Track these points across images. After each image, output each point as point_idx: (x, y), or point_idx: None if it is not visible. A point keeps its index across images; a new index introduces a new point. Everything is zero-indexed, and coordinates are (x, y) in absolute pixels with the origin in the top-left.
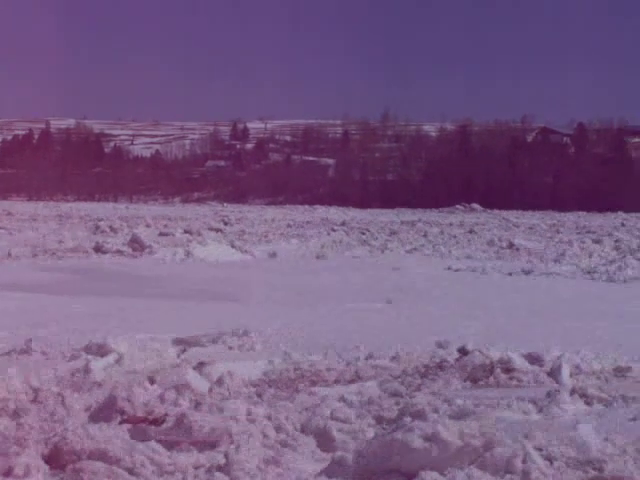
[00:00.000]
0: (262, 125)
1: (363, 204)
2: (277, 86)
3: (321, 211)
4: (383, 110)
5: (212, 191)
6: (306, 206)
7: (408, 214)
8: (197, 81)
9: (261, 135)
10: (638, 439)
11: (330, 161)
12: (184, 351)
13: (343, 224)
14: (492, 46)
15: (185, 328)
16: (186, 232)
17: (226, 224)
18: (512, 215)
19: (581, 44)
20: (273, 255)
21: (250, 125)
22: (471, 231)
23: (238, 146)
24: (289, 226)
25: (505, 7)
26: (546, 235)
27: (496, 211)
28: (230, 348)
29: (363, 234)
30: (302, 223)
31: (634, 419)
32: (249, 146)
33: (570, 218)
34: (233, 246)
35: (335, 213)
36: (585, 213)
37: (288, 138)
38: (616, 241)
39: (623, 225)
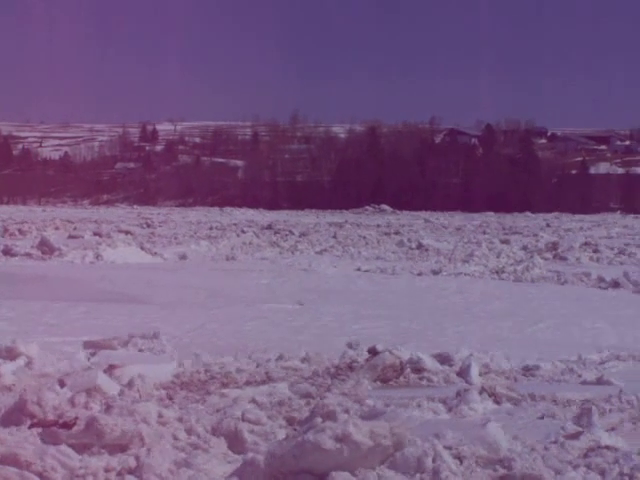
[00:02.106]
0: (171, 127)
1: (273, 205)
2: (187, 88)
3: (239, 213)
4: (292, 112)
5: (122, 193)
6: (216, 208)
7: (335, 216)
8: (106, 82)
9: (170, 137)
10: (546, 437)
11: (240, 163)
12: (94, 354)
13: (270, 227)
14: (400, 47)
15: (95, 331)
16: (96, 234)
17: (148, 226)
18: (423, 216)
19: (488, 45)
20: (183, 257)
21: (159, 127)
22: (397, 232)
23: (147, 148)
24: (211, 228)
25: (413, 8)
26: (470, 236)
27: (405, 212)
28: (141, 351)
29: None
30: (226, 225)
31: (542, 417)
32: (158, 148)
33: (492, 219)
34: (143, 248)
35: (254, 215)
36: (493, 214)
37: (198, 140)
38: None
39: (548, 226)
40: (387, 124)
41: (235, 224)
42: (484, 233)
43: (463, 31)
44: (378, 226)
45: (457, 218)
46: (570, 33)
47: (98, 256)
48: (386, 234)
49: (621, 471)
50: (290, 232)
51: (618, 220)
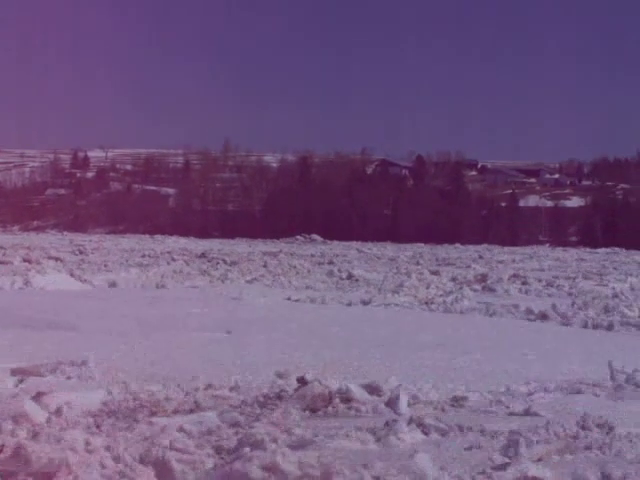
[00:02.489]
0: (103, 154)
1: (204, 234)
2: (118, 114)
3: (171, 241)
4: (224, 140)
5: (52, 220)
6: (147, 235)
7: (268, 245)
8: (38, 108)
9: (102, 164)
10: (474, 468)
11: (171, 190)
12: (22, 381)
13: (203, 255)
14: (334, 77)
15: (23, 358)
16: (25, 261)
17: (81, 253)
18: (355, 246)
19: (419, 77)
20: (113, 284)
21: (91, 154)
22: (330, 262)
23: (78, 174)
24: (143, 256)
25: (345, 39)
26: (400, 267)
27: (336, 242)
28: (69, 378)
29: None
30: (158, 253)
31: (470, 448)
32: (90, 175)
33: (425, 250)
34: (72, 275)
35: (187, 243)
36: (423, 244)
37: (129, 167)
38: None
39: (481, 257)
40: (319, 154)
41: (169, 252)
42: (417, 264)
43: (392, 62)
44: (312, 256)
45: (389, 249)
46: (500, 67)
47: (27, 282)
48: (319, 264)
49: None
50: (224, 261)
51: (549, 253)
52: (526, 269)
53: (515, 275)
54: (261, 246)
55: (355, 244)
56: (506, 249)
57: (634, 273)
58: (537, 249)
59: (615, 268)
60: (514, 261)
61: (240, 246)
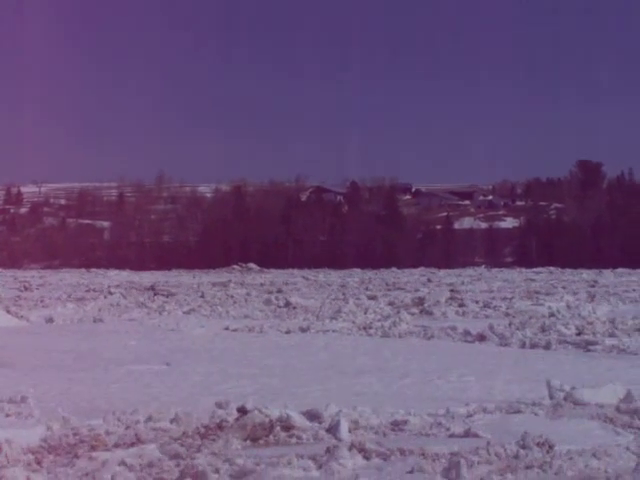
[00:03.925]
0: (36, 189)
1: (140, 266)
2: (50, 149)
3: (113, 274)
4: (158, 172)
5: None
6: (83, 269)
7: (211, 275)
8: None
9: (35, 199)
10: None
11: (106, 224)
12: None
13: (152, 288)
14: (262, 106)
15: None
16: None
17: (26, 289)
18: (298, 273)
19: (351, 103)
20: (50, 320)
21: (24, 189)
22: (279, 290)
23: (12, 210)
24: (93, 290)
25: (275, 66)
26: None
27: (273, 270)
28: (7, 415)
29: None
30: (106, 287)
31: (412, 471)
32: (23, 210)
33: (369, 275)
34: (8, 312)
35: (130, 276)
36: (359, 270)
37: (63, 201)
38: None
39: (430, 281)
40: (253, 183)
41: (117, 285)
42: (367, 289)
43: (327, 89)
44: (261, 285)
45: (334, 275)
46: (431, 90)
47: None
48: (269, 292)
49: None
50: (171, 293)
51: (497, 274)
52: (476, 291)
53: (452, 298)
54: (205, 277)
55: (297, 272)
56: (452, 271)
57: (581, 291)
58: (482, 271)
59: (564, 287)
60: (463, 283)
61: (184, 277)
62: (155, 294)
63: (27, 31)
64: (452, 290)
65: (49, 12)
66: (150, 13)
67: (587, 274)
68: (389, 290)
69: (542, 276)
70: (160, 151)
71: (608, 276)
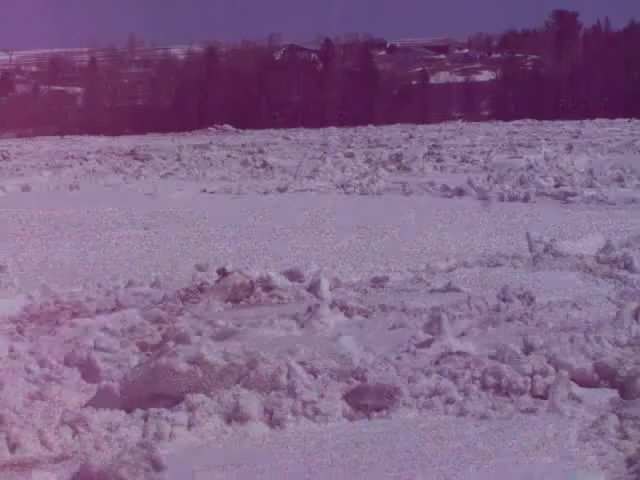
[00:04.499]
0: (7, 56)
1: (114, 131)
2: (20, 15)
3: (90, 140)
4: (129, 35)
5: None
6: (57, 137)
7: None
8: None
9: (6, 67)
10: (398, 347)
11: (79, 90)
12: None
13: (132, 152)
14: None
15: None
16: None
17: (5, 158)
18: (278, 134)
19: None
20: (26, 189)
21: None
22: (260, 151)
23: None
24: (68, 157)
25: None
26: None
27: (248, 131)
28: None
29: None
30: (85, 153)
31: (393, 327)
32: None
33: (349, 133)
34: None
35: (107, 141)
36: (336, 129)
37: (34, 68)
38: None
39: (412, 137)
40: (226, 43)
41: (97, 151)
42: (349, 147)
43: None
44: (243, 146)
45: (313, 134)
46: None
47: None
48: (250, 153)
49: (472, 375)
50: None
51: (479, 128)
52: (458, 145)
53: (430, 153)
54: (184, 140)
55: (275, 132)
56: (432, 127)
57: (561, 143)
58: (462, 125)
59: (547, 139)
60: (445, 138)
61: (162, 141)
62: (135, 159)
63: None
64: (434, 145)
65: None
66: None
67: (569, 125)
68: (371, 147)
69: (524, 129)
70: (131, 14)
71: (590, 127)
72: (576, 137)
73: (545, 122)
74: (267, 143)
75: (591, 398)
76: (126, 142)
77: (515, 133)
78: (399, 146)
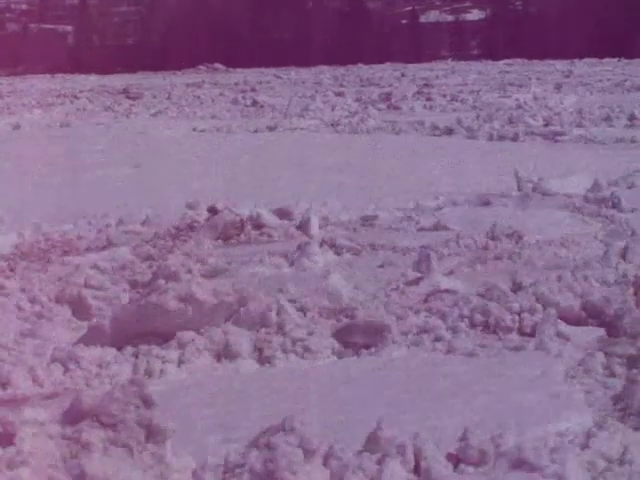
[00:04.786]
0: None
1: (104, 70)
2: None
3: (81, 78)
4: None
5: None
6: (47, 75)
7: (186, 77)
8: None
9: None
10: (387, 285)
11: (69, 28)
12: None
13: (125, 91)
14: None
15: None
16: None
17: None
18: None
19: None
20: (17, 127)
21: None
22: (253, 89)
23: None
24: (60, 96)
25: None
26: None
27: (239, 69)
28: None
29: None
30: (77, 91)
31: (382, 266)
32: None
33: (341, 72)
34: None
35: (98, 80)
36: (327, 67)
37: (24, 7)
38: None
39: (404, 75)
40: None
41: (90, 90)
42: (341, 86)
43: None
44: (235, 84)
45: (304, 72)
46: None
47: None
48: (243, 92)
49: (461, 313)
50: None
51: (473, 67)
52: (450, 84)
53: (419, 92)
54: (175, 78)
55: (266, 70)
56: (423, 65)
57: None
58: (453, 64)
59: (538, 78)
60: (437, 77)
61: (153, 79)
62: (127, 97)
63: None
64: (426, 84)
65: None
66: None
67: (560, 65)
68: (363, 86)
69: (515, 68)
70: None
71: (580, 66)
72: (567, 76)
73: (535, 62)
74: (259, 82)
75: (578, 336)
76: (117, 81)
77: (507, 72)
78: (390, 85)
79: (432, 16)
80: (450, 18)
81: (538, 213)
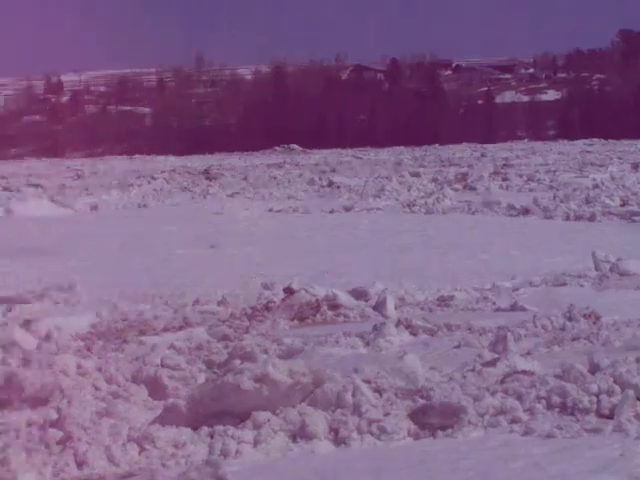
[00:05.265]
0: (76, 77)
1: (181, 151)
2: (90, 36)
3: (161, 159)
4: (197, 55)
5: (29, 146)
6: (124, 156)
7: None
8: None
9: (76, 87)
10: (463, 366)
11: (146, 110)
12: (10, 310)
13: (206, 172)
14: None
15: (9, 286)
16: (5, 189)
17: (79, 177)
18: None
19: None
20: (95, 208)
21: (64, 78)
22: (333, 170)
23: (53, 100)
24: (140, 176)
25: None
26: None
27: (315, 150)
28: (56, 303)
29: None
30: (159, 172)
31: (458, 346)
32: (64, 99)
33: (419, 152)
34: (54, 201)
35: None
36: (404, 148)
37: (103, 89)
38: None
39: (484, 156)
40: (293, 63)
41: (172, 170)
42: (421, 166)
43: None
44: (316, 165)
45: (383, 153)
46: None
47: (9, 211)
48: (322, 172)
49: (538, 395)
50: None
51: (552, 147)
52: (531, 165)
53: (495, 172)
54: (255, 159)
55: (344, 151)
56: (502, 145)
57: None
58: (534, 144)
59: (620, 158)
60: (517, 157)
61: (232, 160)
62: (207, 178)
63: None
64: (505, 164)
65: None
66: None
67: None
68: (443, 166)
69: (596, 147)
70: (198, 34)
71: None
72: None
73: (613, 141)
74: (340, 162)
75: None
76: (196, 161)
77: (588, 152)
78: (470, 165)
79: (508, 96)
80: (526, 99)
81: (615, 293)
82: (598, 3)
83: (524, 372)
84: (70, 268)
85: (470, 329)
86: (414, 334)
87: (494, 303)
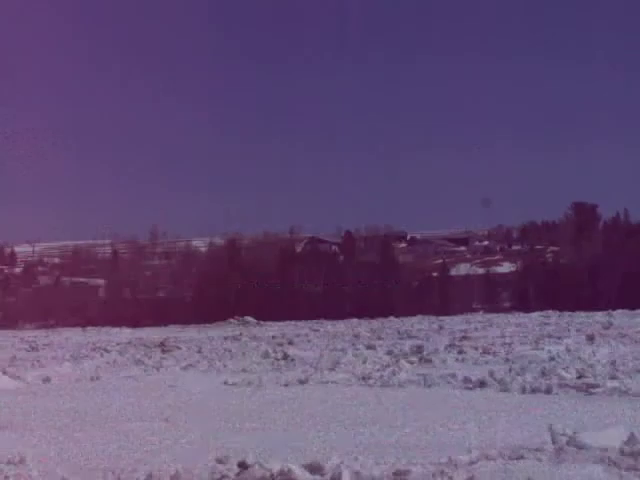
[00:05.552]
0: (30, 248)
1: (135, 323)
2: (44, 208)
3: (115, 332)
4: (151, 227)
5: None
6: (78, 328)
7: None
8: None
9: (29, 258)
10: None
11: (100, 281)
12: None
13: (162, 344)
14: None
15: None
16: None
17: (33, 349)
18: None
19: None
20: (47, 380)
21: (17, 249)
22: (291, 342)
23: (6, 271)
24: (95, 349)
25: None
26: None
27: (270, 322)
28: (6, 477)
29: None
30: (115, 344)
31: None
32: (17, 270)
33: (376, 325)
34: (5, 373)
35: (133, 333)
36: (357, 320)
37: (57, 260)
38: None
39: (441, 328)
40: (247, 235)
41: (128, 342)
42: (379, 338)
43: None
44: (273, 337)
45: (341, 325)
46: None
47: None
48: (279, 344)
49: None
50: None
51: (510, 319)
52: (489, 337)
53: (451, 345)
54: (211, 331)
55: (299, 323)
56: (460, 317)
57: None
58: (491, 316)
59: (578, 330)
60: (476, 329)
61: (188, 333)
62: (163, 351)
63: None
64: (464, 337)
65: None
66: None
67: (600, 316)
68: (401, 338)
69: (553, 319)
70: (153, 207)
71: (619, 317)
72: (607, 328)
73: (568, 313)
74: (297, 334)
75: None
76: (150, 333)
77: (546, 324)
78: (427, 338)
79: (462, 268)
80: (481, 271)
81: (573, 467)
82: (551, 176)
83: None
84: (21, 442)
85: None
86: None
87: (451, 477)
